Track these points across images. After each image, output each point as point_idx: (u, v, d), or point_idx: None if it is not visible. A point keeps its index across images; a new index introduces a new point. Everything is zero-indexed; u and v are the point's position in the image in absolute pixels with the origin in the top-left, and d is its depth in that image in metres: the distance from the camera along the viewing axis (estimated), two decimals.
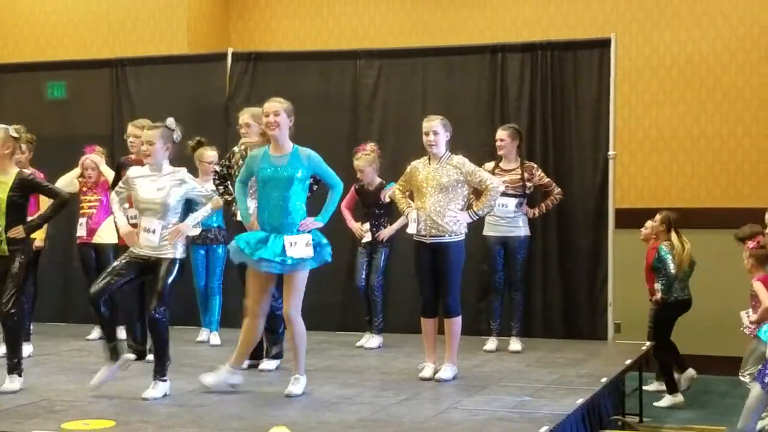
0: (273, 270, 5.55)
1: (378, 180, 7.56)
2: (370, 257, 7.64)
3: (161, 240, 5.46)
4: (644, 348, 7.54)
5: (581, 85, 8.41)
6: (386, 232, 7.55)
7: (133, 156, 6.88)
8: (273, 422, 4.73)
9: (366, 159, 7.53)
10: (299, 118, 8.64)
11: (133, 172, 5.64)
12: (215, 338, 7.71)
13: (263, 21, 10.73)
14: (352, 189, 7.54)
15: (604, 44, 8.25)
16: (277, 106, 5.70)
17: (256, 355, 6.39)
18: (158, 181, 5.52)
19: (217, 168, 6.65)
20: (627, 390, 7.19)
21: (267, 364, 6.60)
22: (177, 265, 5.50)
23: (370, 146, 7.62)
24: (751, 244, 6.70)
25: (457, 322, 6.21)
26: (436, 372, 6.18)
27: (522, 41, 8.77)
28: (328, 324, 8.26)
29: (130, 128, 7.01)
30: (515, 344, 7.47)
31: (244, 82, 9.07)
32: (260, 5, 10.79)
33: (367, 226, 7.63)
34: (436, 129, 6.18)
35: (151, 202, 5.49)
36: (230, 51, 9.20)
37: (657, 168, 9.52)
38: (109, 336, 5.62)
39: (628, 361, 6.95)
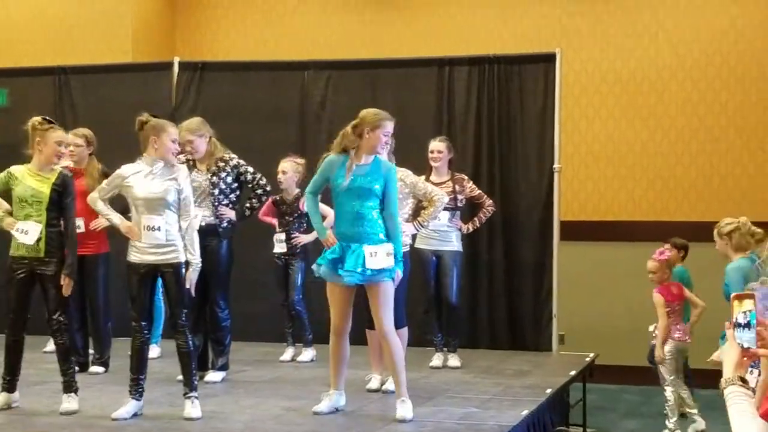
0: (354, 281, 5.32)
1: (297, 190, 7.44)
2: (286, 270, 7.48)
3: (167, 239, 5.32)
4: (588, 359, 7.62)
5: (527, 99, 8.51)
6: (304, 238, 7.42)
7: (71, 164, 6.72)
8: None
9: (293, 165, 7.43)
10: (246, 128, 8.70)
11: (125, 170, 5.46)
12: (154, 350, 7.63)
13: (211, 30, 10.67)
14: (270, 199, 7.35)
15: (550, 59, 8.36)
16: None
17: (202, 366, 6.32)
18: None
19: None
20: (571, 401, 7.26)
21: (212, 375, 6.54)
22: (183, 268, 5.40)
23: (302, 161, 7.54)
24: (655, 255, 7.09)
25: (403, 333, 6.12)
26: (383, 383, 6.17)
27: (469, 55, 8.84)
28: (270, 335, 8.19)
29: (70, 137, 6.90)
30: (454, 361, 7.34)
31: (191, 91, 9.01)
32: (208, 14, 10.73)
33: (282, 236, 7.48)
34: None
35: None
36: (176, 60, 9.13)
37: (600, 181, 9.66)
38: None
39: (573, 372, 7.02)
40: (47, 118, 5.62)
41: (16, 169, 5.52)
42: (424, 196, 6.25)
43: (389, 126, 5.41)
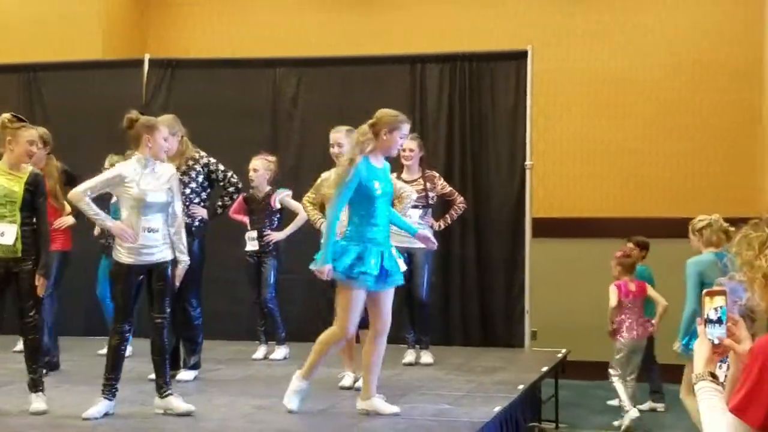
0: (400, 282, 5.36)
1: (268, 187, 7.41)
2: (258, 268, 7.45)
3: (162, 239, 5.27)
4: (560, 355, 7.66)
5: (499, 96, 8.54)
6: (276, 236, 7.40)
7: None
8: None
9: (264, 163, 7.39)
10: (217, 126, 8.66)
11: (124, 170, 5.33)
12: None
13: (182, 27, 10.61)
14: (241, 196, 7.28)
15: (521, 56, 8.39)
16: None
17: (174, 365, 6.29)
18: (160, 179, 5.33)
19: None
20: (543, 397, 7.29)
21: (184, 374, 6.50)
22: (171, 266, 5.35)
23: (273, 158, 7.51)
24: (618, 252, 7.41)
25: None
26: (356, 381, 6.17)
27: (441, 52, 8.86)
28: (243, 333, 8.16)
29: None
30: (426, 357, 7.32)
31: (162, 89, 8.95)
32: (179, 11, 10.67)
33: (254, 234, 7.43)
34: (340, 141, 6.12)
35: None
36: (147, 57, 9.07)
37: (572, 178, 9.70)
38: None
39: (545, 368, 7.04)
40: (18, 115, 5.55)
41: None
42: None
43: (406, 128, 5.35)
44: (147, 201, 5.21)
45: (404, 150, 7.29)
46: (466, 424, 5.12)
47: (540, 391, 7.19)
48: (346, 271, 5.13)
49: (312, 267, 5.31)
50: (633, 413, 7.17)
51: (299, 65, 8.95)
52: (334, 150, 6.19)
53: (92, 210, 5.29)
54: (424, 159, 7.45)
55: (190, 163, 6.52)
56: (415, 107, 8.63)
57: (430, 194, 7.27)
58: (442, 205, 7.59)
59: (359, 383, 6.06)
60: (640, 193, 9.45)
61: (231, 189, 6.64)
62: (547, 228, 8.93)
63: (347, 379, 6.19)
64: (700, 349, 2.57)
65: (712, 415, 2.41)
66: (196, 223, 6.48)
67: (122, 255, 5.24)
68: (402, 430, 5.04)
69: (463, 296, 8.56)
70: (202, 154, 6.60)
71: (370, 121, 5.28)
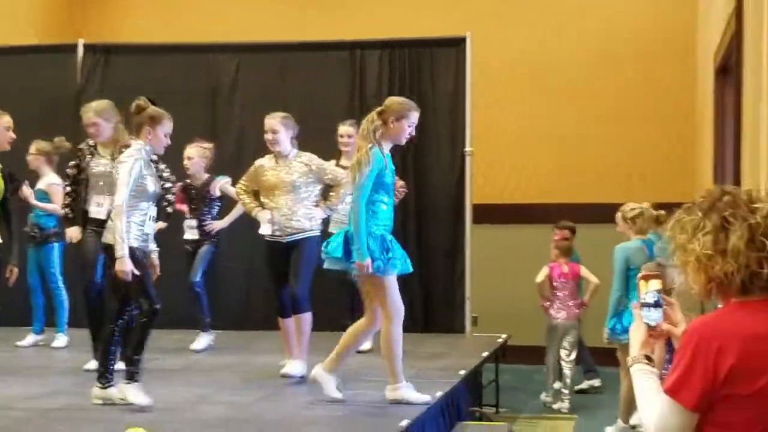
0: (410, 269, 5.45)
1: (206, 175, 7.30)
2: (195, 255, 7.32)
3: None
4: (500, 340, 7.71)
5: (438, 83, 8.56)
6: (218, 224, 7.30)
7: None
8: (131, 423, 4.60)
9: (199, 150, 7.28)
10: None
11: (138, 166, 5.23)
12: (61, 340, 7.45)
13: (117, 12, 10.41)
14: (179, 186, 7.19)
15: (460, 42, 8.42)
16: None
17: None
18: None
19: (69, 171, 6.38)
20: (484, 382, 7.34)
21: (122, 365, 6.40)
22: None
23: (210, 145, 7.40)
24: (556, 236, 7.73)
25: (306, 317, 6.08)
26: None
27: (381, 38, 8.83)
28: (179, 322, 8.05)
29: None
30: (366, 344, 7.15)
31: (96, 75, 8.79)
32: None
33: (193, 222, 7.31)
34: (275, 127, 6.04)
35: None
36: (81, 42, 8.89)
37: (512, 164, 9.76)
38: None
39: (485, 354, 7.09)
40: None
41: None
42: (331, 180, 6.19)
43: (415, 116, 5.26)
44: (150, 192, 5.23)
45: (342, 135, 7.27)
46: (408, 409, 5.13)
47: (481, 376, 7.24)
48: (383, 267, 5.14)
49: (328, 265, 5.32)
50: (557, 385, 7.61)
51: (238, 51, 8.86)
52: (268, 136, 6.10)
53: (124, 231, 5.11)
54: None
55: (124, 150, 6.39)
56: (355, 94, 8.60)
57: None
58: None
59: (286, 369, 5.97)
60: (577, 179, 9.54)
61: (166, 185, 6.50)
62: (488, 214, 8.98)
63: (290, 366, 6.11)
64: (636, 333, 2.59)
65: (648, 397, 2.43)
66: None
67: (135, 240, 5.18)
68: (344, 417, 5.03)
69: (404, 282, 8.44)
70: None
71: (379, 109, 5.22)
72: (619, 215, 6.50)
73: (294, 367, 6.04)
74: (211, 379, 6.11)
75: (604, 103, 9.52)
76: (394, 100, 5.31)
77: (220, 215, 7.39)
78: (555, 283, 7.56)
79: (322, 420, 5.01)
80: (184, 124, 8.22)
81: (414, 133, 5.35)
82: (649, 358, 2.55)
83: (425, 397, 5.27)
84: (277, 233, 6.06)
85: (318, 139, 7.04)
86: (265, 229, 6.09)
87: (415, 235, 8.53)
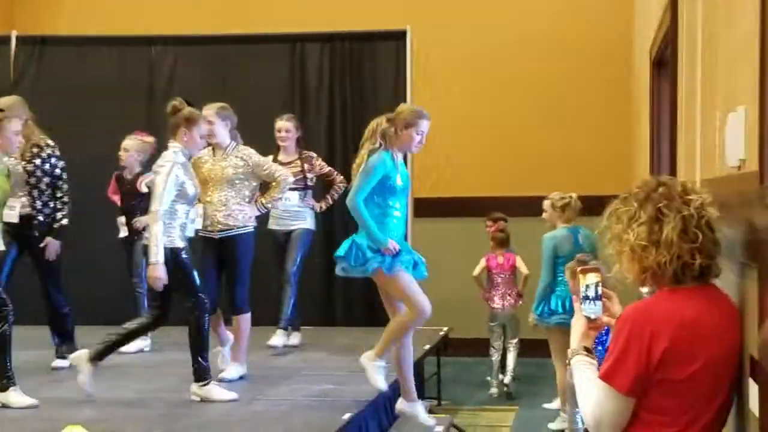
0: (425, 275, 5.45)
1: (138, 169, 7.03)
2: (130, 251, 7.08)
3: None
4: (441, 333, 7.74)
5: (379, 76, 8.56)
6: (144, 220, 6.82)
7: None
8: (69, 421, 4.52)
9: (136, 143, 7.01)
10: (91, 106, 8.38)
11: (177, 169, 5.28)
12: None
13: (52, 3, 10.19)
14: (113, 176, 7.02)
15: (401, 36, 8.42)
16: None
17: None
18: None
19: None
20: (426, 374, 7.36)
21: (59, 362, 6.29)
22: None
23: (151, 139, 7.16)
24: (491, 228, 7.86)
25: (246, 318, 5.95)
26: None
27: (321, 31, 8.79)
28: (113, 318, 7.92)
29: None
30: (294, 338, 7.17)
31: (30, 67, 8.61)
32: None
33: (123, 219, 7.08)
34: (210, 119, 5.85)
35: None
36: (14, 34, 8.69)
37: (453, 158, 9.78)
38: None
39: (427, 347, 7.11)
40: None
41: None
42: (267, 176, 6.07)
43: (425, 125, 5.15)
44: (190, 195, 5.25)
45: (279, 130, 7.12)
46: (350, 403, 5.13)
47: (423, 369, 7.25)
48: (388, 265, 5.08)
49: (340, 272, 5.30)
50: (504, 379, 7.68)
51: (176, 43, 8.75)
52: (203, 128, 5.96)
53: (159, 238, 5.12)
54: (301, 139, 7.29)
55: (35, 150, 6.20)
56: (296, 87, 8.56)
57: (309, 175, 7.11)
58: (324, 185, 7.52)
59: (223, 374, 5.78)
60: (520, 172, 9.60)
61: (59, 194, 6.29)
62: (428, 208, 9.00)
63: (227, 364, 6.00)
64: (577, 326, 2.63)
65: (586, 387, 2.47)
66: (40, 218, 6.20)
67: (178, 240, 5.22)
68: (285, 411, 5.01)
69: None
70: (49, 143, 6.27)
71: (389, 115, 5.14)
72: (548, 203, 6.72)
73: (230, 372, 5.85)
74: (151, 376, 6.04)
75: (543, 96, 9.59)
76: (404, 108, 5.24)
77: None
78: (493, 275, 7.68)
79: (265, 414, 4.98)
80: (121, 118, 8.17)
81: (424, 142, 5.25)
82: (588, 350, 2.59)
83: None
84: (209, 228, 5.92)
85: (258, 133, 6.98)
86: (196, 223, 5.94)
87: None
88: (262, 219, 6.81)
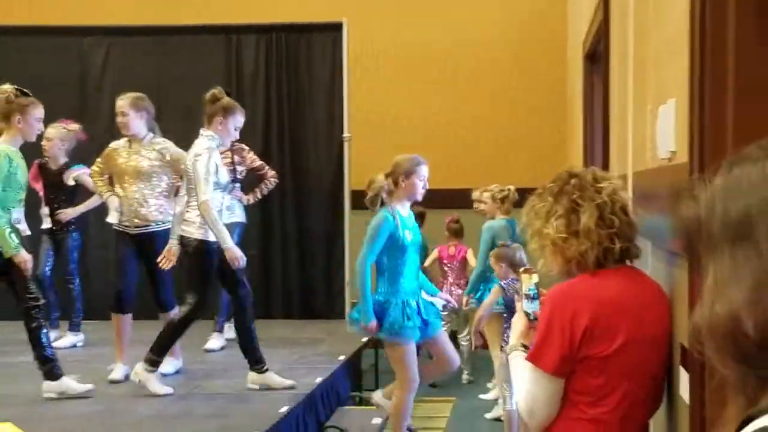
0: (439, 329, 5.30)
1: (64, 159, 6.84)
2: (56, 245, 6.90)
3: None
4: None
5: (315, 68, 8.53)
6: (69, 212, 6.81)
7: None
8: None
9: (60, 132, 6.77)
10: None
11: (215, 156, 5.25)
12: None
13: None
14: (35, 163, 6.78)
15: (337, 28, 8.40)
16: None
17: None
18: None
19: None
20: (364, 367, 7.38)
21: None
22: None
23: (75, 126, 6.94)
24: (447, 219, 8.03)
25: (175, 314, 5.68)
26: (126, 374, 5.60)
27: (257, 23, 8.73)
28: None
29: None
30: (232, 331, 6.74)
31: None
32: None
33: (46, 210, 6.87)
34: (123, 109, 5.66)
35: None
36: None
37: (391, 150, 9.71)
38: None
39: (365, 339, 7.12)
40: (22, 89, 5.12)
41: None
42: (186, 170, 5.84)
43: (424, 170, 5.13)
44: (224, 183, 5.20)
45: None
46: (288, 395, 5.11)
47: (361, 361, 7.27)
48: (391, 330, 4.95)
49: (351, 329, 5.18)
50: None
51: (109, 34, 8.60)
52: (117, 119, 5.73)
53: (220, 223, 5.12)
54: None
55: None
56: (232, 79, 8.48)
57: (239, 168, 6.90)
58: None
59: (133, 375, 5.52)
60: (456, 165, 9.65)
61: None
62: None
63: (118, 371, 5.72)
64: (517, 324, 2.68)
65: (521, 376, 2.51)
66: None
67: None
68: (224, 404, 4.97)
69: (284, 269, 8.53)
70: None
71: (386, 171, 5.11)
72: (487, 195, 6.96)
73: (165, 366, 5.61)
74: (85, 372, 5.93)
75: (480, 90, 9.66)
76: (400, 159, 5.20)
77: (76, 203, 6.95)
78: (443, 265, 7.79)
79: (202, 408, 4.94)
80: (52, 110, 7.94)
81: (427, 186, 5.27)
82: (526, 348, 2.63)
83: None
84: (125, 223, 5.73)
85: (195, 125, 6.86)
86: (112, 217, 5.75)
87: (294, 221, 8.50)
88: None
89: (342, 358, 6.29)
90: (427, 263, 7.77)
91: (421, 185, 5.11)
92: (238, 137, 5.49)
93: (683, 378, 2.28)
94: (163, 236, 5.66)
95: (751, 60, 1.95)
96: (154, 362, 5.19)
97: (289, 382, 5.33)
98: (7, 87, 5.13)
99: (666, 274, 2.60)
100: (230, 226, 6.71)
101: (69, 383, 5.12)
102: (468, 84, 9.67)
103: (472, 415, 6.82)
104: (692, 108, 2.11)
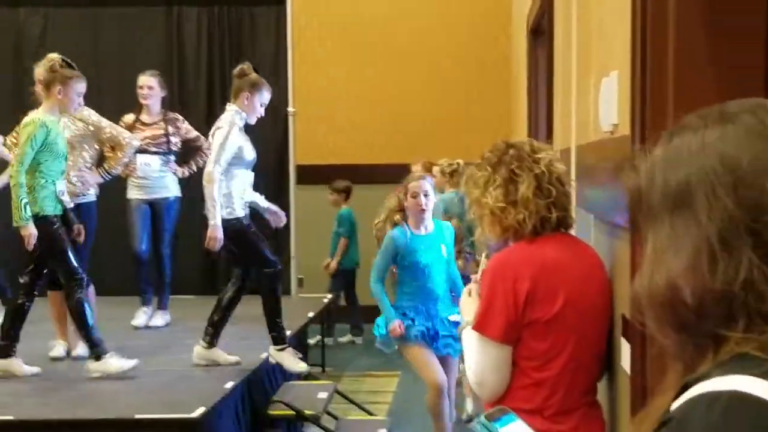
0: (453, 355, 5.03)
1: None
2: None
3: None
4: (326, 301, 7.75)
5: (259, 43, 8.44)
6: None
7: None
8: None
9: None
10: None
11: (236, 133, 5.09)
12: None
13: None
14: None
15: (281, 1, 8.32)
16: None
17: None
18: None
19: None
20: (310, 342, 7.38)
21: None
22: None
23: None
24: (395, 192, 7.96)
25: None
26: (68, 350, 5.55)
27: None
28: None
29: None
30: (157, 319, 6.71)
31: None
32: None
33: None
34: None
35: None
36: None
37: (337, 125, 9.76)
38: None
39: (311, 314, 7.11)
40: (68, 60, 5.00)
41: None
42: (111, 140, 5.73)
43: (426, 186, 4.92)
44: (249, 159, 5.11)
45: (141, 87, 6.53)
46: (234, 371, 5.09)
47: (307, 337, 7.26)
48: (402, 337, 4.86)
49: (381, 347, 5.11)
50: None
51: (45, 4, 8.39)
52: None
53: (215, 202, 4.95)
54: (167, 100, 6.81)
55: None
56: (173, 52, 8.36)
57: (173, 139, 6.58)
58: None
59: (74, 352, 5.49)
60: (402, 140, 9.66)
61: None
62: (311, 175, 8.96)
63: (58, 349, 5.58)
64: (472, 304, 2.68)
65: (469, 350, 2.53)
66: None
67: (239, 209, 5.08)
68: (168, 381, 4.93)
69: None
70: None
71: (398, 192, 5.02)
72: (437, 169, 7.08)
73: (83, 347, 5.38)
74: (27, 350, 5.82)
75: (424, 64, 9.65)
76: (408, 179, 5.07)
77: None
78: None
79: (147, 385, 4.89)
80: None
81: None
82: None
83: None
84: None
85: (132, 98, 6.77)
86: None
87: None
88: (122, 187, 6.54)
89: (289, 333, 6.26)
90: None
91: (424, 201, 4.89)
92: (263, 114, 5.35)
93: (624, 349, 2.31)
94: (86, 209, 5.52)
95: (692, 32, 1.96)
96: (277, 339, 5.32)
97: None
98: (54, 56, 5.05)
99: (608, 246, 2.63)
100: (165, 209, 6.63)
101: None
102: (412, 59, 9.66)
103: (417, 389, 6.85)
104: (634, 80, 2.12)
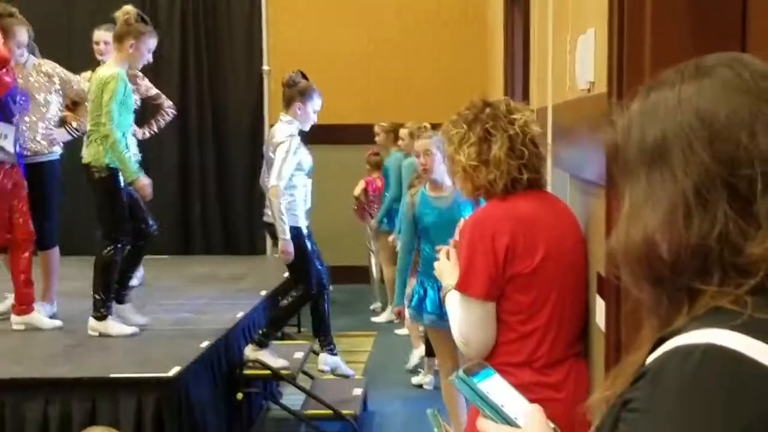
0: None
1: None
2: None
3: None
4: None
5: (234, 6, 8.34)
6: None
7: None
8: None
9: None
10: None
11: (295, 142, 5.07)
12: None
13: None
14: None
15: None
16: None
17: None
18: None
19: None
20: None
21: None
22: None
23: None
24: (367, 152, 8.15)
25: (54, 253, 5.49)
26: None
27: None
28: None
29: None
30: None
31: None
32: None
33: None
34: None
35: None
36: None
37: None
38: None
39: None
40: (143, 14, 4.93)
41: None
42: (77, 94, 5.54)
43: (417, 145, 4.88)
44: (308, 168, 5.12)
45: (97, 42, 6.10)
46: (209, 330, 5.08)
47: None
48: (429, 317, 4.54)
49: (411, 316, 4.86)
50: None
51: None
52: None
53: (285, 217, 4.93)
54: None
55: None
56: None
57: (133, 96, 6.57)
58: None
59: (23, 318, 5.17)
60: (377, 99, 9.61)
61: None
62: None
63: (6, 304, 5.43)
64: (454, 269, 2.67)
65: (452, 307, 2.53)
66: None
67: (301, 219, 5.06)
68: (144, 340, 4.92)
69: (204, 206, 8.43)
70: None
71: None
72: (405, 131, 7.17)
73: (41, 310, 5.27)
74: None
75: (401, 24, 9.58)
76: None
77: None
78: (370, 196, 7.96)
79: (123, 343, 4.87)
80: None
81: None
82: None
83: None
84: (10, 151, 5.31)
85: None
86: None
87: (214, 158, 8.39)
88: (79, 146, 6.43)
89: (264, 293, 6.27)
90: (356, 191, 7.96)
91: (419, 162, 4.83)
92: (316, 120, 5.29)
93: (599, 306, 2.33)
94: (51, 166, 5.38)
95: None
96: (262, 343, 5.24)
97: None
98: (130, 8, 4.92)
99: (584, 204, 2.64)
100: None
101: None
102: (389, 18, 9.58)
103: (393, 349, 6.90)
104: (611, 37, 2.11)
